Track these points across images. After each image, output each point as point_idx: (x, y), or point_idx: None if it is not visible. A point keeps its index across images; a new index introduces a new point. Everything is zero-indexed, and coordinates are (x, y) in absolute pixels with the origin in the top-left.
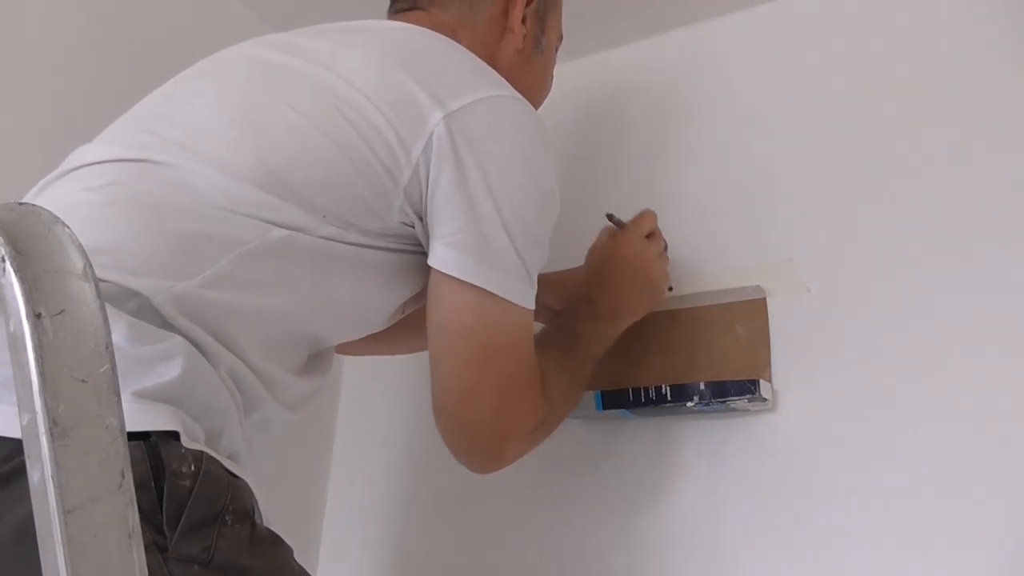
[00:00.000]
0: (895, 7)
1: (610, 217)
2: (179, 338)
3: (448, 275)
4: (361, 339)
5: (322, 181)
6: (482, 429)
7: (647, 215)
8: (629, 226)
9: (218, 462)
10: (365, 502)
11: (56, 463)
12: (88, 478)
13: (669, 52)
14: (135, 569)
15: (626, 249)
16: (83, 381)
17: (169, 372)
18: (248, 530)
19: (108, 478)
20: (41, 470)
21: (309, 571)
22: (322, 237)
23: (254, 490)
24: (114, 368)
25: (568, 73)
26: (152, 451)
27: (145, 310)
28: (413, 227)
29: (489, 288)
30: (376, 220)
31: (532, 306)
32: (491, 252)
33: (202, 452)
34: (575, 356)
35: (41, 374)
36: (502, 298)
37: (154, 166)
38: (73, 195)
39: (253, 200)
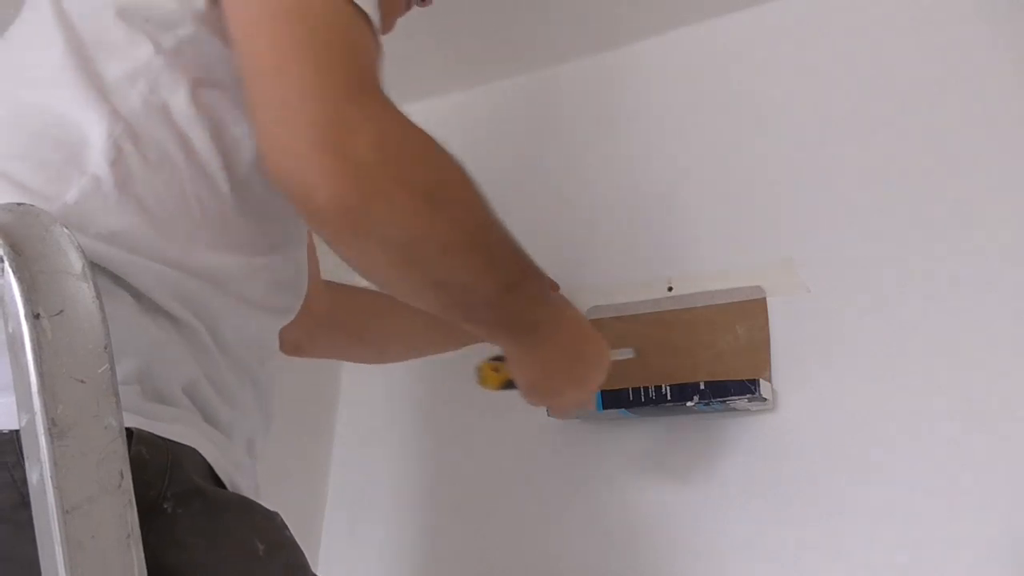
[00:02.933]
0: (895, 7)
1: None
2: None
3: None
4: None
5: None
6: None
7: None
8: None
9: (149, 436)
10: (365, 501)
11: (55, 463)
12: (87, 478)
13: (669, 52)
14: (134, 569)
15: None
16: (82, 381)
17: None
18: (197, 509)
19: (106, 478)
20: (40, 470)
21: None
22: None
23: (208, 446)
24: (113, 368)
25: (568, 73)
26: None
27: None
28: None
29: None
30: None
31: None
32: None
33: (128, 431)
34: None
35: (40, 374)
36: None
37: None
38: None
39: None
